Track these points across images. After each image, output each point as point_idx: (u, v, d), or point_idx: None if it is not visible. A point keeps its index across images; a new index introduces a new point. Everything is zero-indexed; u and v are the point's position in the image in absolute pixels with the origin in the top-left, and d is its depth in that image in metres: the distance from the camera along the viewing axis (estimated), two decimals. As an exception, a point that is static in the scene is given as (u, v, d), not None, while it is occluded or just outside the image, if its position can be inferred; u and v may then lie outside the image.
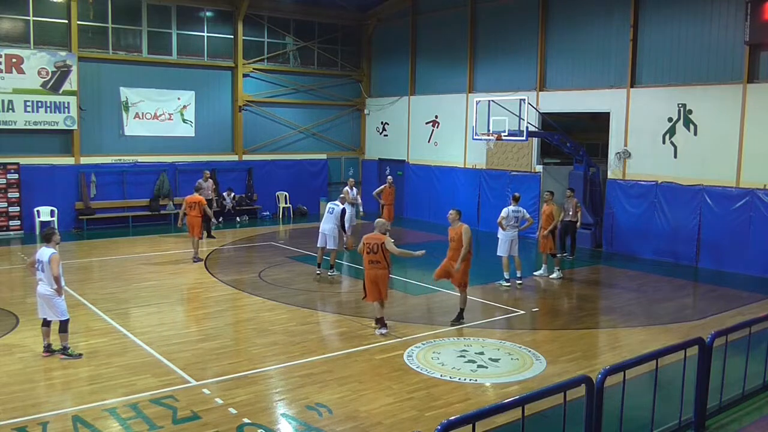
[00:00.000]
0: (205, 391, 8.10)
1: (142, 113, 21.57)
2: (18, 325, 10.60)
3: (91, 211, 20.60)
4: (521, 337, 10.58)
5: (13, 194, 19.21)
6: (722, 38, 15.81)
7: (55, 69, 19.69)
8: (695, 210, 16.25)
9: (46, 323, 9.22)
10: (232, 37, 23.22)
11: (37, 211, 19.59)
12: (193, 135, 22.61)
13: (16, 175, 19.22)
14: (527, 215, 14.11)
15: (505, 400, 5.10)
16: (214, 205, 21.21)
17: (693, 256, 16.39)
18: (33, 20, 19.57)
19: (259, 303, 12.36)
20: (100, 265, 15.80)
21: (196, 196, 16.07)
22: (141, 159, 21.54)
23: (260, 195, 23.86)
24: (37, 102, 19.55)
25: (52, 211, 19.76)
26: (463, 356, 9.46)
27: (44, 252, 9.02)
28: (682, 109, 16.53)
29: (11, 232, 19.17)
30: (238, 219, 22.78)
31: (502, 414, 5.33)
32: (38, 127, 19.69)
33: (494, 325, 11.28)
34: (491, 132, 17.68)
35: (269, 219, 23.73)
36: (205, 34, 22.75)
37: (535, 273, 15.02)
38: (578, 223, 16.67)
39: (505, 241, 13.77)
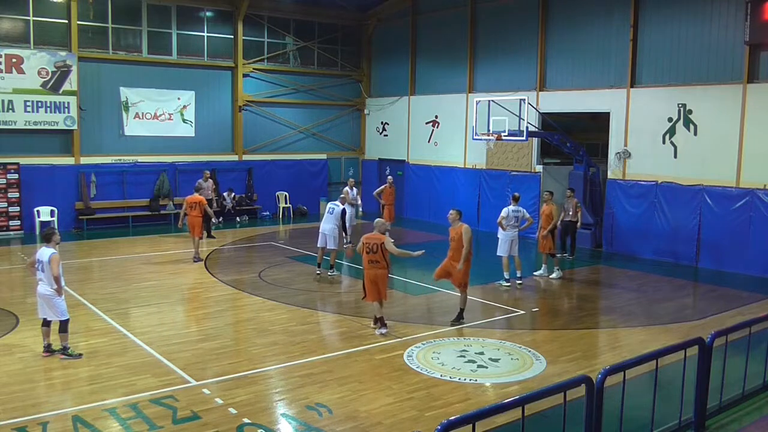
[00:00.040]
0: (205, 391, 8.10)
1: (142, 113, 21.57)
2: (18, 325, 10.60)
3: (91, 211, 20.60)
4: (521, 337, 10.58)
5: (13, 194, 19.21)
6: (722, 38, 15.81)
7: (55, 69, 19.70)
8: (695, 210, 16.25)
9: (46, 323, 9.22)
10: (232, 37, 23.22)
11: (37, 211, 19.59)
12: (193, 135, 22.62)
13: (16, 175, 19.22)
14: (527, 215, 14.10)
15: (505, 400, 5.10)
16: (215, 205, 21.23)
17: (693, 256, 16.39)
18: (33, 20, 19.58)
19: (259, 303, 12.36)
20: (100, 265, 15.80)
21: (197, 196, 16.07)
22: (141, 159, 21.54)
23: (260, 195, 23.86)
24: (37, 102, 19.55)
25: (52, 211, 19.76)
26: (463, 356, 9.46)
27: (44, 252, 9.02)
28: (682, 109, 16.53)
29: (11, 232, 19.17)
30: (238, 219, 22.78)
31: (502, 414, 5.33)
32: (38, 127, 19.69)
33: (494, 325, 11.28)
34: (491, 132, 17.68)
35: (269, 219, 23.73)
36: (205, 34, 22.76)
37: (535, 273, 15.02)
38: (578, 223, 16.69)
39: (505, 241, 13.77)
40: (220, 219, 21.82)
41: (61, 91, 19.84)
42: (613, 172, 18.10)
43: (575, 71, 19.04)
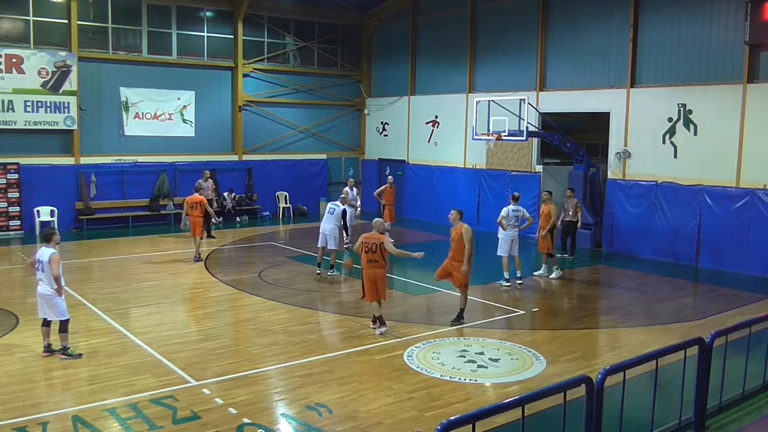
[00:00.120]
0: (205, 391, 8.10)
1: (142, 113, 21.57)
2: (18, 325, 10.60)
3: (91, 211, 20.60)
4: (521, 337, 10.58)
5: (13, 194, 19.21)
6: (722, 38, 15.81)
7: (55, 69, 19.70)
8: (695, 210, 16.25)
9: (46, 323, 9.22)
10: (232, 37, 23.22)
11: (37, 211, 19.59)
12: (193, 135, 22.62)
13: (16, 175, 19.22)
14: (527, 214, 14.10)
15: (505, 400, 5.10)
16: (215, 204, 21.23)
17: (693, 256, 16.39)
18: (33, 20, 19.57)
19: (259, 303, 12.36)
20: (100, 265, 15.80)
21: (197, 196, 16.08)
22: (141, 159, 21.54)
23: (260, 195, 23.86)
24: (37, 102, 19.55)
25: (52, 211, 19.76)
26: (463, 356, 9.46)
27: (44, 252, 9.02)
28: (682, 109, 16.53)
29: (11, 232, 19.17)
30: (238, 219, 22.78)
31: (502, 414, 5.33)
32: (38, 127, 19.69)
33: (494, 325, 11.28)
34: (491, 132, 17.68)
35: (269, 219, 23.73)
36: (205, 34, 22.76)
37: (535, 273, 15.02)
38: (578, 223, 16.70)
39: (505, 241, 13.76)
40: (220, 219, 21.81)
41: (61, 91, 19.84)
42: (613, 172, 18.10)
43: (575, 71, 19.04)
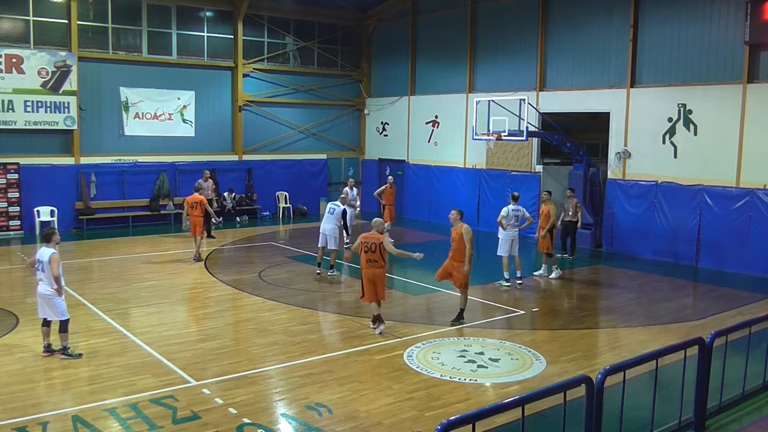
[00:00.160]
0: (205, 391, 8.10)
1: (142, 113, 21.57)
2: (18, 325, 10.60)
3: (91, 211, 20.60)
4: (521, 337, 10.58)
5: (13, 194, 19.21)
6: (722, 38, 15.81)
7: (55, 69, 19.70)
8: (695, 210, 16.25)
9: (46, 323, 9.22)
10: (232, 37, 23.22)
11: (37, 211, 19.59)
12: (193, 135, 22.62)
13: (16, 175, 19.22)
14: (527, 214, 14.10)
15: (505, 400, 5.10)
16: (215, 204, 21.24)
17: (693, 256, 16.39)
18: (33, 20, 19.57)
19: (259, 303, 12.36)
20: (100, 265, 15.80)
21: (197, 196, 16.08)
22: (141, 159, 21.54)
23: (260, 195, 23.86)
24: (37, 102, 19.55)
25: (52, 211, 19.76)
26: (463, 356, 9.46)
27: (44, 252, 9.02)
28: (682, 109, 16.53)
29: (11, 232, 19.17)
30: (238, 219, 22.78)
31: (502, 414, 5.33)
32: (38, 127, 19.69)
33: (494, 325, 11.28)
34: (491, 132, 17.68)
35: (269, 219, 23.73)
36: (205, 34, 22.76)
37: (535, 273, 15.02)
38: (578, 223, 16.70)
39: (505, 241, 13.76)
40: (220, 219, 21.81)
41: (61, 91, 19.84)
42: (613, 172, 18.10)
43: (575, 71, 19.04)
